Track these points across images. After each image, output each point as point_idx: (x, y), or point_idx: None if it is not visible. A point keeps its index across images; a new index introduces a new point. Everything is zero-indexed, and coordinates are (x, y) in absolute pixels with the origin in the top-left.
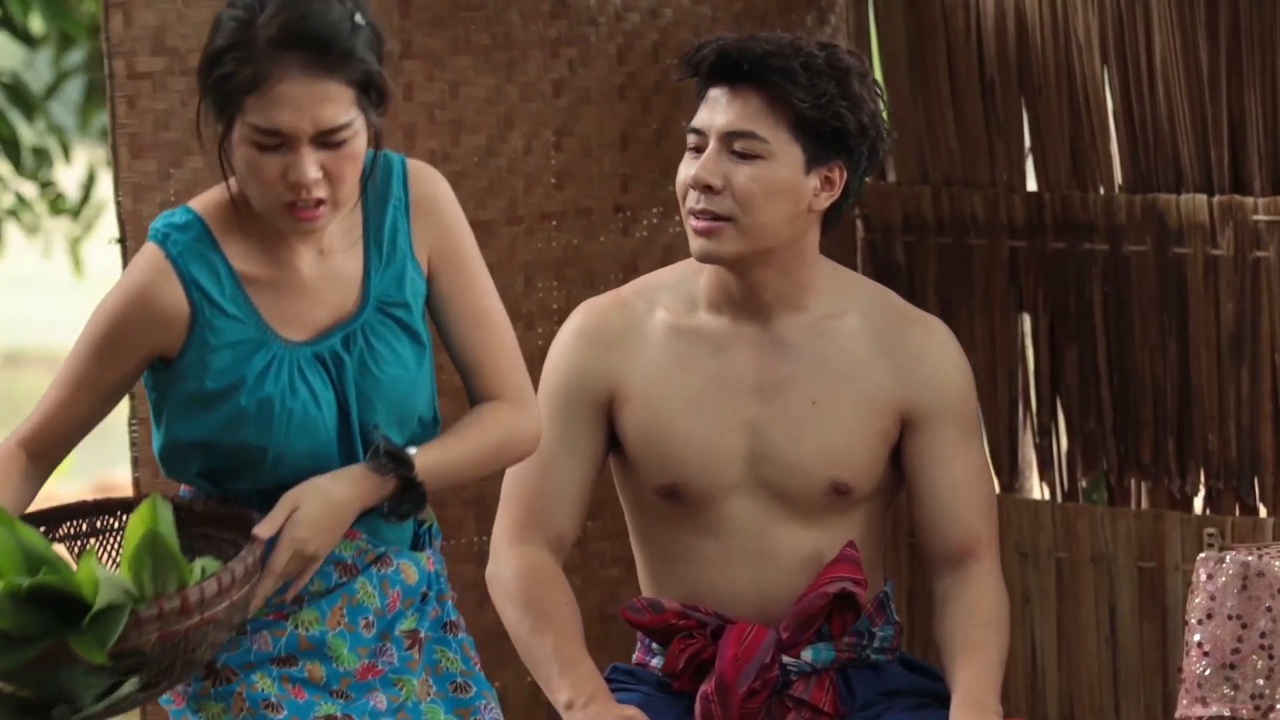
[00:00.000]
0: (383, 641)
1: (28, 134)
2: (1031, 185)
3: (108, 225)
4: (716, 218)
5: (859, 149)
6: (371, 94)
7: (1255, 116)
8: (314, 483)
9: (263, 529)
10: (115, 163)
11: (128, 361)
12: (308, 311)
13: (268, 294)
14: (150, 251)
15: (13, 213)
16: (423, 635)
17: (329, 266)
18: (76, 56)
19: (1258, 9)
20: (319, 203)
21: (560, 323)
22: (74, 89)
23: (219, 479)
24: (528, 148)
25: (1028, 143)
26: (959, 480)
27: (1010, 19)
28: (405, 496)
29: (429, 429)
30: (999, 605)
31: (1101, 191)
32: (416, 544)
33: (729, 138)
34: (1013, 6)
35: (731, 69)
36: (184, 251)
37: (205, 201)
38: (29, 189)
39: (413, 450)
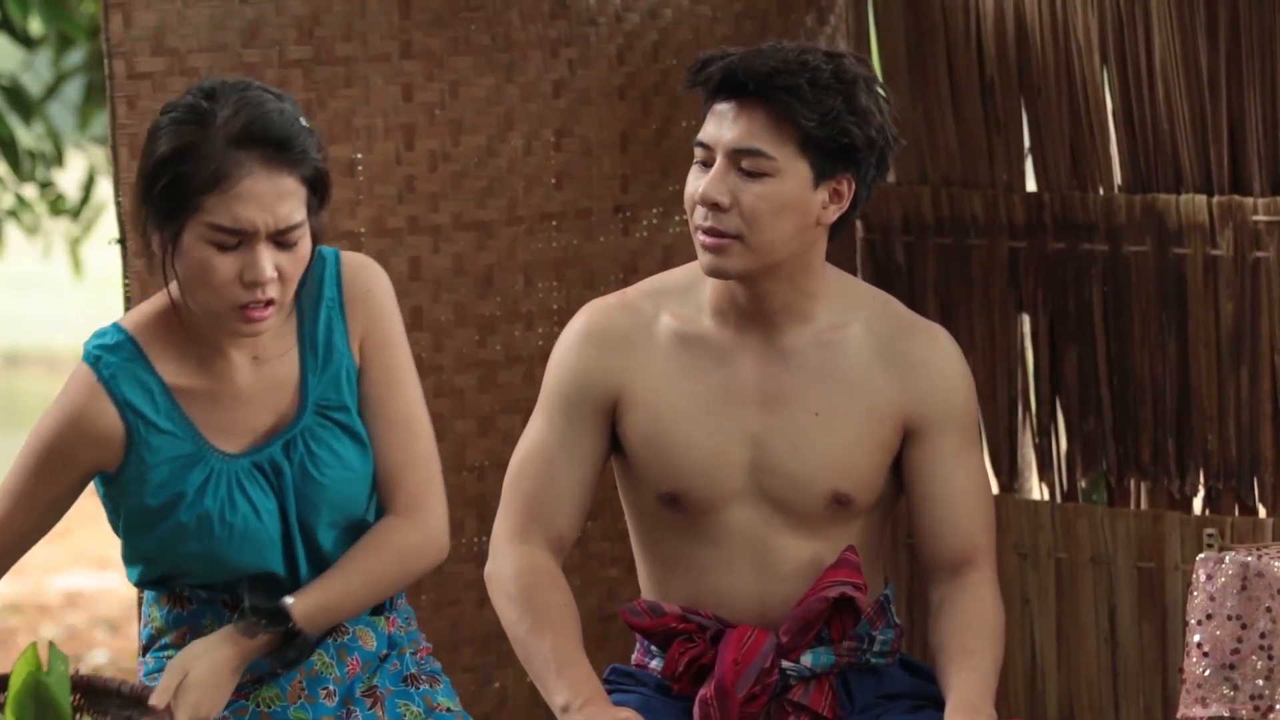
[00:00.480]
0: (346, 707)
1: (25, 137)
2: (1031, 186)
3: (108, 226)
4: (724, 235)
5: (867, 161)
6: (319, 193)
7: (1255, 117)
8: (199, 646)
9: (158, 698)
10: (115, 163)
11: (65, 479)
12: (245, 420)
13: (203, 406)
14: (83, 374)
15: (13, 213)
16: (382, 691)
17: (264, 374)
18: (76, 57)
19: (1257, 10)
20: (269, 303)
21: (560, 323)
22: (73, 90)
23: (171, 581)
24: (528, 148)
25: (1027, 143)
26: (959, 488)
27: (1010, 19)
28: (289, 646)
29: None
30: (995, 614)
31: (1101, 192)
32: (378, 609)
33: (736, 155)
34: (1012, 7)
35: (739, 87)
36: (116, 373)
37: (136, 318)
38: (29, 190)
39: (289, 600)
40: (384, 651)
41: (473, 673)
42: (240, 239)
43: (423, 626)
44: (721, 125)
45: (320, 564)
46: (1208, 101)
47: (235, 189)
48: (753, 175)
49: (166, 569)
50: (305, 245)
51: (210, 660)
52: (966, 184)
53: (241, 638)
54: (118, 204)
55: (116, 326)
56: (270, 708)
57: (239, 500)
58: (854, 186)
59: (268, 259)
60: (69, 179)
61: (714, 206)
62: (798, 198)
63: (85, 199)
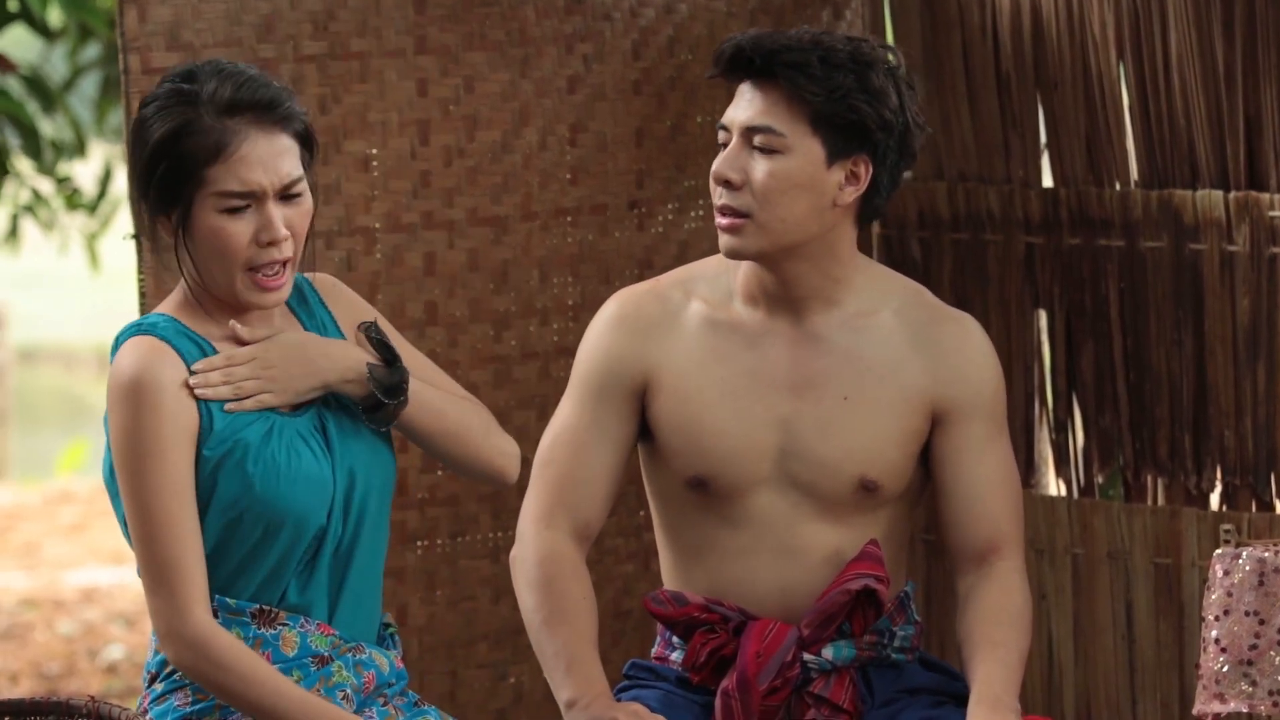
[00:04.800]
0: (363, 712)
1: (46, 127)
2: (1047, 181)
3: (124, 221)
4: (738, 214)
5: (883, 143)
6: (310, 149)
7: (1272, 112)
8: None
9: (244, 332)
10: (130, 158)
11: (185, 455)
12: None
13: None
14: (139, 342)
15: (29, 209)
16: (396, 706)
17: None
18: (92, 52)
19: (1274, 4)
20: (284, 264)
21: (576, 319)
22: (90, 85)
23: (248, 572)
24: (543, 143)
25: (1043, 138)
26: (987, 477)
27: (1026, 14)
28: (387, 398)
29: None
30: (1022, 604)
31: (1117, 187)
32: (380, 641)
33: (749, 133)
34: (1028, 2)
35: (747, 64)
36: (169, 336)
37: (163, 307)
38: (45, 185)
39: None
40: (392, 680)
41: (488, 668)
42: (249, 202)
43: (437, 622)
44: (738, 105)
45: (361, 524)
46: (1224, 96)
47: (237, 154)
48: (765, 152)
49: (241, 549)
50: (308, 199)
51: (306, 338)
52: (982, 179)
53: (352, 349)
54: (132, 199)
55: (147, 315)
56: None
57: (302, 450)
58: (871, 168)
59: (278, 216)
60: (86, 173)
61: (726, 184)
62: (809, 175)
63: (102, 194)
